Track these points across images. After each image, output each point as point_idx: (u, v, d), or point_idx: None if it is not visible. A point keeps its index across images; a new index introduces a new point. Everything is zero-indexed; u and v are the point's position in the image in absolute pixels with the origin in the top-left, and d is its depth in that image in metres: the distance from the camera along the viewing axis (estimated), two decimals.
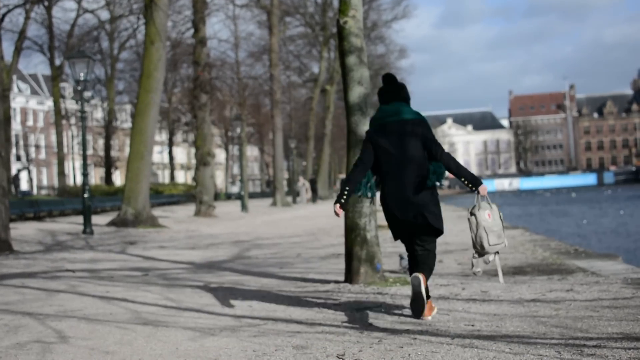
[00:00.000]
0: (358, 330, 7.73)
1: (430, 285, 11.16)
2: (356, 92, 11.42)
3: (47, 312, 9.28)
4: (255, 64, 71.11)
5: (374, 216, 11.27)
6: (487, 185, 8.44)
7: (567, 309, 8.85)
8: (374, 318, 8.46)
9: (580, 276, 12.18)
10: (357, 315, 8.70)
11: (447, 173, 8.36)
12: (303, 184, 65.54)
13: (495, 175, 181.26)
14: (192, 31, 43.38)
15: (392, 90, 8.64)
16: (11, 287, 11.84)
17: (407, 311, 8.84)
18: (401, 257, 12.86)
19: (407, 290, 10.57)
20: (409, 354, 6.60)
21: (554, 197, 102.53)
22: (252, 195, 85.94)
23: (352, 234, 11.25)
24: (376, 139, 8.45)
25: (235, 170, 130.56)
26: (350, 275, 11.29)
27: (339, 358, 6.54)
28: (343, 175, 77.15)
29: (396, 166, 8.38)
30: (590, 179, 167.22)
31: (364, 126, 11.24)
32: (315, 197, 71.77)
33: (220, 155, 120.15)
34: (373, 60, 79.94)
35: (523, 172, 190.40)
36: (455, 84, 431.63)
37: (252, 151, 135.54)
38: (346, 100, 11.54)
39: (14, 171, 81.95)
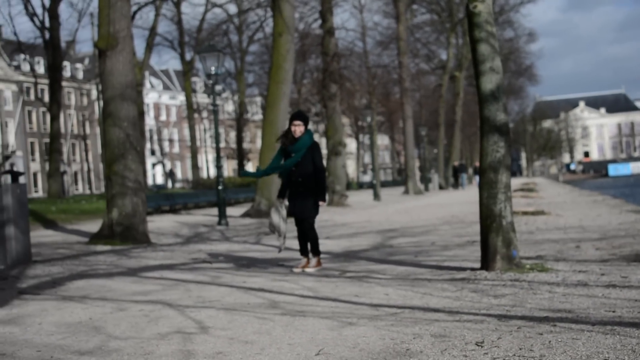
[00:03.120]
0: (496, 318, 7.66)
1: (568, 271, 10.98)
2: (489, 79, 11.26)
3: (186, 303, 9.45)
4: (383, 53, 71.01)
5: (509, 202, 11.10)
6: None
7: None
8: (512, 306, 8.36)
9: None
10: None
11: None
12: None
13: (630, 159, 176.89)
14: (319, 22, 43.55)
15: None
16: (151, 279, 12.09)
17: (546, 297, 8.73)
18: None
19: (545, 277, 10.43)
20: (549, 341, 6.51)
21: None
22: (384, 184, 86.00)
23: (488, 220, 11.11)
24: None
25: (367, 159, 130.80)
26: (486, 263, 11.17)
27: (478, 345, 6.49)
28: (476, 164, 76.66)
29: None
30: None
31: (497, 112, 11.11)
32: (457, 183, 71.50)
33: (351, 144, 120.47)
34: (502, 44, 78.99)
35: None
36: (585, 67, 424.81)
37: (382, 140, 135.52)
38: (478, 87, 11.38)
39: (148, 165, 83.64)
